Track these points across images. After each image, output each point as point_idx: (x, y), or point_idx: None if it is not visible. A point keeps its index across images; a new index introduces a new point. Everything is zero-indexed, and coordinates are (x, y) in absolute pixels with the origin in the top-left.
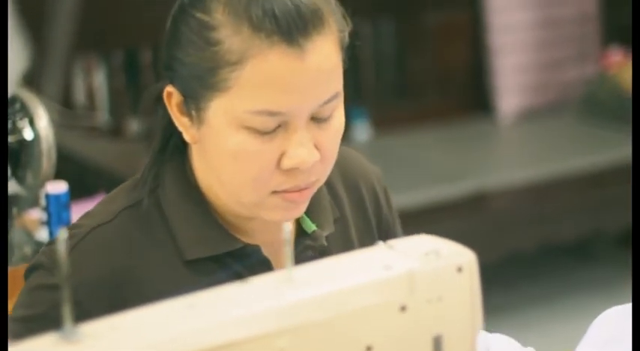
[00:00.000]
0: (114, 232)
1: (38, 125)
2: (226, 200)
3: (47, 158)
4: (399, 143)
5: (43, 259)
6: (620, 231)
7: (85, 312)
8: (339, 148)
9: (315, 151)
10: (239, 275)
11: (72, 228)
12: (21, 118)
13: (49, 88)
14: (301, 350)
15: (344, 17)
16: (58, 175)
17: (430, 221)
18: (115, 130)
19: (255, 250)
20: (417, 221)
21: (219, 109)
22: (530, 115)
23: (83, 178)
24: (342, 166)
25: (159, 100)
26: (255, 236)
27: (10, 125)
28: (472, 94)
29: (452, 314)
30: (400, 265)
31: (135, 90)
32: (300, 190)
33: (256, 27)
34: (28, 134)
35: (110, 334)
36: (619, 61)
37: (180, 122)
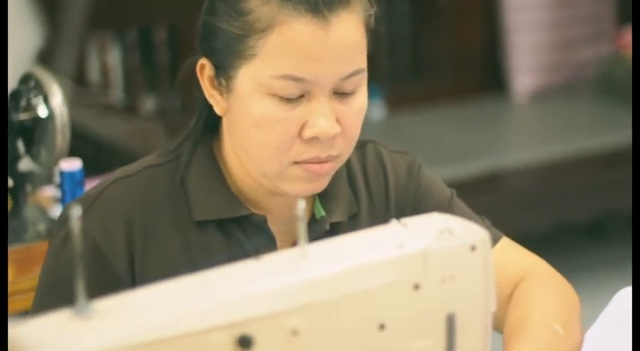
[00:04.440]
0: (135, 184)
1: (52, 103)
2: (252, 172)
3: (61, 135)
4: (414, 122)
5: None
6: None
7: (106, 259)
8: (367, 146)
9: (335, 124)
10: (241, 245)
11: (83, 196)
12: (35, 96)
13: (63, 66)
14: (314, 328)
15: (369, 1)
16: (73, 153)
17: None
18: (129, 108)
19: (261, 220)
20: None
21: (245, 76)
22: (544, 95)
23: (97, 156)
24: (364, 164)
25: (194, 78)
26: (268, 213)
27: (24, 102)
28: (487, 73)
29: (465, 293)
30: (414, 243)
31: (149, 68)
32: (320, 162)
33: None
34: (42, 111)
35: (123, 310)
36: None
37: (211, 94)
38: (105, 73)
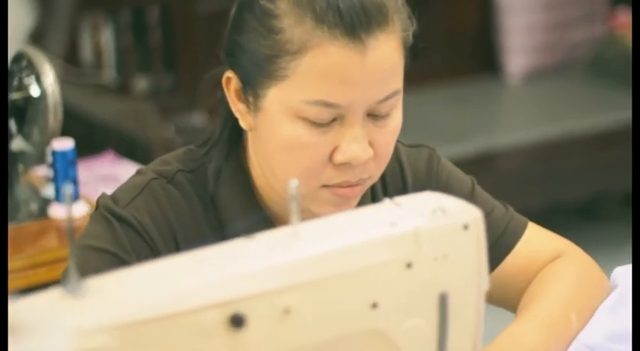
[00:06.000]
0: (170, 191)
1: (44, 82)
2: (277, 190)
3: (53, 115)
4: (407, 102)
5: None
6: (627, 191)
7: (155, 243)
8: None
9: (368, 148)
10: None
11: (122, 187)
12: (27, 75)
13: (55, 45)
14: (307, 306)
15: (409, 17)
16: (65, 133)
17: None
18: (122, 88)
19: None
20: None
21: (275, 97)
22: (537, 75)
23: (90, 136)
24: (383, 176)
25: (219, 85)
26: None
27: (16, 82)
28: (480, 54)
29: (458, 272)
30: (406, 222)
31: (142, 48)
32: (350, 185)
33: (319, 19)
34: (34, 91)
35: (116, 289)
36: (627, 21)
37: (237, 108)
38: (97, 53)
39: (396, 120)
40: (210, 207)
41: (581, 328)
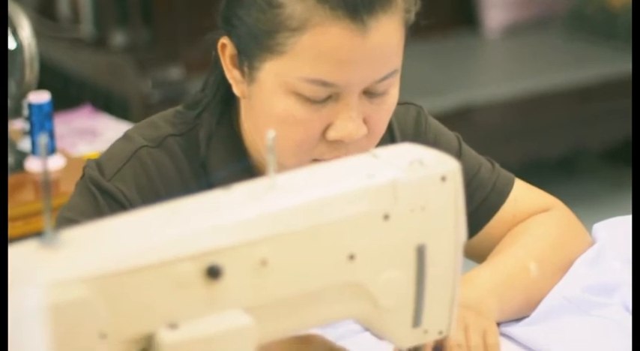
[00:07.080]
0: (159, 157)
1: (21, 35)
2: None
3: (30, 68)
4: None
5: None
6: (605, 146)
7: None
8: None
9: (363, 126)
10: None
11: (109, 154)
12: None
13: None
14: (283, 258)
15: None
16: (43, 86)
17: None
18: (99, 42)
19: None
20: None
21: (271, 71)
22: (516, 30)
23: (67, 90)
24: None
25: (214, 48)
26: None
27: None
28: (458, 9)
29: (435, 224)
30: (384, 173)
31: (119, 2)
32: None
33: None
34: (10, 44)
35: (91, 240)
36: None
37: (232, 75)
38: (74, 6)
39: (392, 97)
40: (201, 173)
41: (553, 279)
